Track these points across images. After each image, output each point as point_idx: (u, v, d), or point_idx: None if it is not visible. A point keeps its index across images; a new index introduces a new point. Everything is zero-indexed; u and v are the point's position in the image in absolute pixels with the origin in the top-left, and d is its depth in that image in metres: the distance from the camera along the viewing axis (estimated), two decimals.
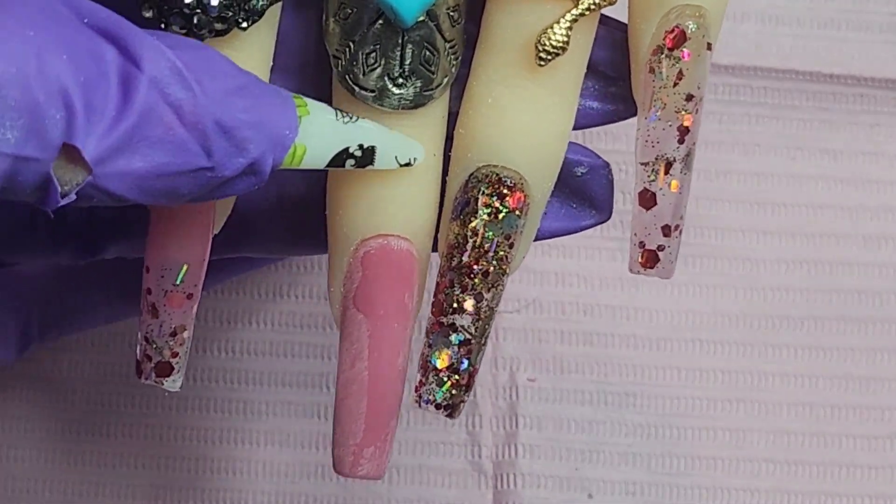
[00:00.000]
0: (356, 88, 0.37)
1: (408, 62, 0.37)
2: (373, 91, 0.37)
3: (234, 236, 0.41)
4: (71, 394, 0.53)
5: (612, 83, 0.40)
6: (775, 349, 0.54)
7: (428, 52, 0.37)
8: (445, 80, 0.38)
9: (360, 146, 0.37)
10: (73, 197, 0.32)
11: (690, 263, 0.54)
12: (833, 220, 0.55)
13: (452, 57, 0.38)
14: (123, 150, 0.32)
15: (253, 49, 0.37)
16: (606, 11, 0.38)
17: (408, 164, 0.38)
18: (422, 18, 0.37)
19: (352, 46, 0.37)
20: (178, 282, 0.38)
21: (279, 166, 0.35)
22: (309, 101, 0.36)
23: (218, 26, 0.36)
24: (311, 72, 0.39)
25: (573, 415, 0.53)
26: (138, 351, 0.39)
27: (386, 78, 0.37)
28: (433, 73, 0.37)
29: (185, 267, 0.38)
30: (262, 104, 0.34)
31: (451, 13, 0.37)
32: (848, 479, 0.53)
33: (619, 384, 0.53)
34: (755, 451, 0.53)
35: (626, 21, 0.39)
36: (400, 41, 0.37)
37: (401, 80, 0.37)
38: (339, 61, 0.37)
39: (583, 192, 0.41)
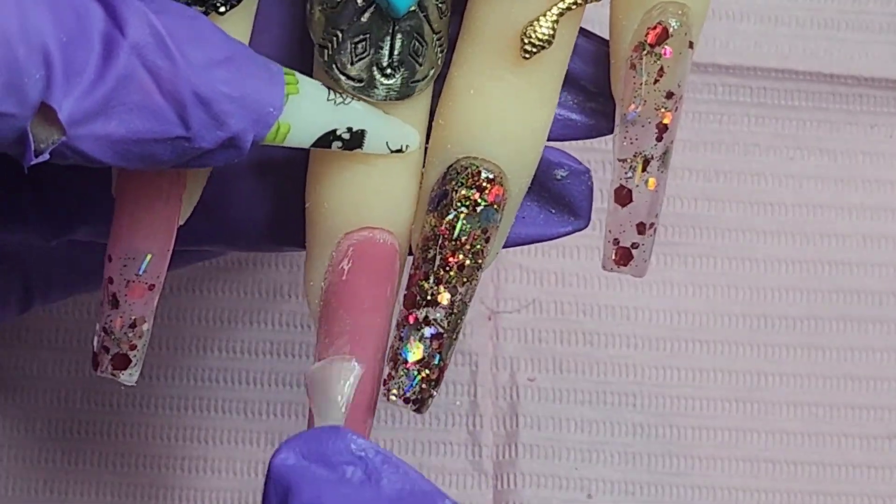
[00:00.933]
0: (342, 78, 0.37)
1: (397, 52, 0.37)
2: (360, 81, 0.37)
3: (210, 228, 0.40)
4: (71, 394, 0.53)
5: (592, 98, 0.40)
6: (775, 349, 0.54)
7: (417, 43, 0.37)
8: (432, 71, 0.37)
9: (349, 129, 0.36)
10: (46, 156, 0.32)
11: (690, 263, 0.54)
12: (832, 220, 0.55)
13: (439, 49, 0.37)
14: (100, 113, 0.32)
15: (230, 33, 0.36)
16: (592, 10, 0.38)
17: (399, 151, 0.37)
18: (412, 8, 0.36)
19: (339, 35, 0.37)
20: (140, 272, 0.38)
21: (261, 142, 0.35)
22: (301, 78, 0.36)
23: (195, 9, 0.36)
24: (289, 61, 0.39)
25: (573, 414, 0.53)
26: (95, 342, 0.38)
27: (374, 68, 0.37)
28: (420, 64, 0.37)
29: (148, 257, 0.38)
30: (247, 77, 0.34)
31: (440, 4, 0.37)
32: (847, 479, 0.53)
33: (619, 384, 0.53)
34: (754, 451, 0.53)
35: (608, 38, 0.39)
36: (390, 31, 0.37)
37: (389, 71, 0.37)
38: (325, 50, 0.37)
39: (562, 198, 0.40)
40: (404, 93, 0.37)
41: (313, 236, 0.39)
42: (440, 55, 0.38)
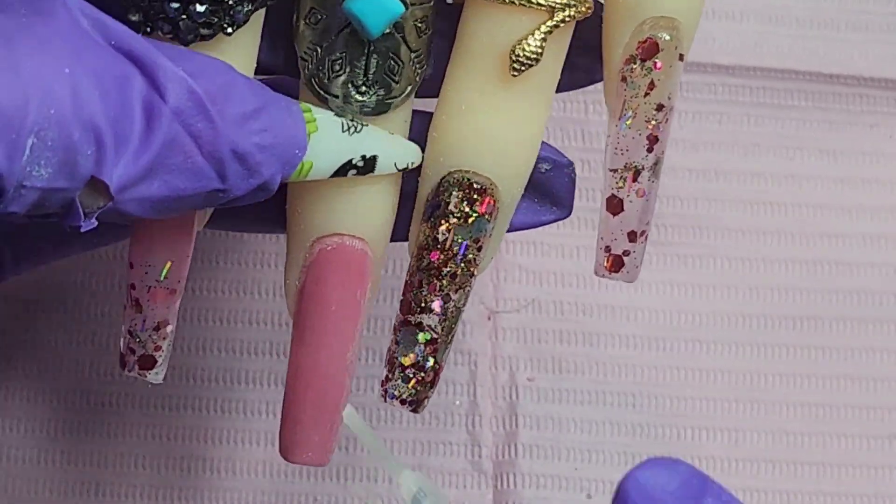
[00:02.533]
0: (321, 92, 0.38)
1: (372, 72, 0.38)
2: (337, 97, 0.38)
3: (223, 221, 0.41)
4: (71, 394, 0.53)
5: (574, 53, 0.40)
6: (775, 349, 0.54)
7: (392, 63, 0.38)
8: (409, 88, 0.38)
9: (363, 157, 0.38)
10: (94, 223, 0.33)
11: (690, 263, 0.54)
12: (832, 219, 0.55)
13: (417, 66, 0.38)
14: (145, 177, 0.33)
15: (237, 53, 0.37)
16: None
17: (405, 169, 0.39)
18: (388, 31, 0.37)
19: (319, 51, 0.38)
20: (161, 278, 0.39)
21: (286, 181, 0.36)
22: (317, 112, 0.37)
23: (203, 31, 0.36)
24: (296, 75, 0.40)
25: (573, 415, 0.53)
26: (122, 344, 0.40)
27: (350, 85, 0.38)
28: (396, 82, 0.38)
29: (168, 264, 0.39)
30: (276, 126, 0.35)
31: (419, 24, 0.38)
32: (848, 479, 0.53)
33: (619, 384, 0.53)
34: (754, 451, 0.53)
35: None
36: (366, 51, 0.38)
37: (364, 89, 0.38)
38: (307, 64, 0.38)
39: (545, 189, 0.41)
40: (379, 109, 0.38)
41: (290, 239, 0.40)
42: (419, 72, 0.39)
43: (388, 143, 0.38)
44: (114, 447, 0.53)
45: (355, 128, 0.38)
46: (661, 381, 0.54)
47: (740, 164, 0.55)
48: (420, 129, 0.40)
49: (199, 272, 0.54)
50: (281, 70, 0.40)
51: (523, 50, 0.37)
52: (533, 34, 0.38)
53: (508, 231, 0.41)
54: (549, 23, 0.38)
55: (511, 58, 0.38)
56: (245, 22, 0.37)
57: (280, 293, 0.54)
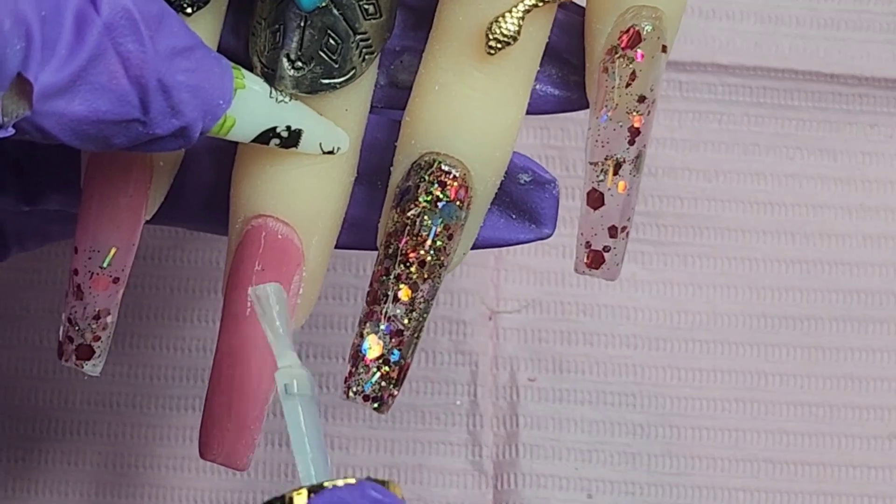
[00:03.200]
0: (259, 65, 0.37)
1: (305, 46, 0.37)
2: (272, 69, 0.37)
3: (170, 211, 0.40)
4: (71, 394, 0.53)
5: (574, 71, 0.40)
6: (774, 349, 0.54)
7: (332, 41, 0.37)
8: (352, 72, 0.37)
9: (288, 127, 0.37)
10: (10, 130, 0.32)
11: (690, 263, 0.54)
12: (832, 219, 0.55)
13: (366, 51, 0.37)
14: (66, 90, 0.32)
15: (198, 34, 0.36)
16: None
17: (330, 153, 0.38)
18: (324, 4, 0.36)
19: (263, 23, 0.37)
20: (104, 264, 0.38)
21: (207, 133, 0.35)
22: (247, 74, 0.36)
23: None
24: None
25: (573, 415, 0.53)
26: (61, 332, 0.39)
27: (284, 59, 0.37)
28: (335, 63, 0.37)
29: (112, 250, 0.38)
30: (203, 69, 0.35)
31: (366, 6, 0.37)
32: (848, 479, 0.53)
33: (619, 384, 0.53)
34: (754, 451, 0.53)
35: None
36: (301, 24, 0.37)
37: (299, 64, 0.37)
38: (253, 38, 0.37)
39: (524, 204, 0.40)
40: (315, 88, 0.37)
41: (229, 223, 0.39)
42: (367, 58, 0.37)
43: (316, 122, 0.37)
44: (114, 447, 0.53)
45: (284, 98, 0.37)
46: (661, 381, 0.54)
47: (740, 163, 0.55)
48: (382, 132, 0.39)
49: (200, 272, 0.54)
50: (242, 55, 0.38)
51: (500, 27, 0.36)
52: (510, 12, 0.37)
53: (482, 247, 0.40)
54: (527, 2, 0.37)
55: (487, 35, 0.37)
56: (206, 3, 0.36)
57: None
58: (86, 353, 0.39)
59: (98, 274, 0.39)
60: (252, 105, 0.36)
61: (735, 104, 0.55)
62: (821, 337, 0.54)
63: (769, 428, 0.53)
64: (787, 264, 0.55)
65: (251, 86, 0.36)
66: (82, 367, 0.39)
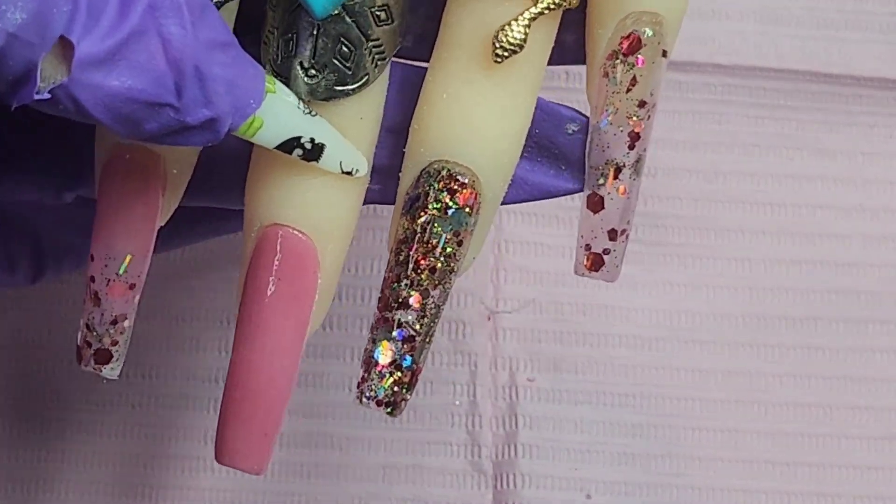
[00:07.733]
0: (272, 72, 0.37)
1: (319, 54, 0.37)
2: (286, 77, 0.37)
3: (197, 182, 0.41)
4: (70, 394, 0.53)
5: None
6: (774, 349, 0.54)
7: (345, 48, 0.37)
8: (365, 79, 0.38)
9: (312, 140, 0.37)
10: (46, 94, 0.32)
11: (689, 263, 0.54)
12: (831, 220, 0.55)
13: (378, 58, 0.38)
14: (105, 63, 0.33)
15: None
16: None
17: (349, 174, 0.38)
18: (337, 13, 0.37)
19: (275, 32, 0.37)
20: (120, 272, 0.39)
21: (234, 131, 0.36)
22: (278, 83, 0.37)
23: None
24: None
25: (572, 415, 0.53)
26: (79, 337, 0.39)
27: (298, 66, 0.37)
28: (349, 70, 0.37)
29: (128, 257, 0.39)
30: (238, 67, 0.35)
31: (377, 12, 0.37)
32: (847, 480, 0.53)
33: (618, 384, 0.53)
34: (753, 452, 0.53)
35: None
36: (314, 32, 0.37)
37: (312, 72, 0.37)
38: (265, 45, 0.38)
39: (572, 154, 0.40)
40: (329, 95, 0.37)
41: (244, 226, 0.39)
42: (379, 64, 0.38)
43: (339, 140, 0.38)
44: (114, 447, 0.53)
45: (310, 111, 0.37)
46: (660, 381, 0.54)
47: (740, 164, 0.55)
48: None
49: (200, 272, 0.54)
50: None
51: (506, 35, 0.37)
52: (517, 20, 0.37)
53: (532, 198, 0.40)
54: (532, 9, 0.37)
55: (494, 44, 0.37)
56: (225, 2, 0.37)
57: None
58: (104, 357, 0.39)
59: (114, 281, 0.39)
60: (280, 111, 0.36)
61: (734, 105, 0.55)
62: (820, 338, 0.54)
63: (768, 428, 0.53)
64: (787, 265, 0.55)
65: (280, 93, 0.36)
66: (101, 372, 0.40)
